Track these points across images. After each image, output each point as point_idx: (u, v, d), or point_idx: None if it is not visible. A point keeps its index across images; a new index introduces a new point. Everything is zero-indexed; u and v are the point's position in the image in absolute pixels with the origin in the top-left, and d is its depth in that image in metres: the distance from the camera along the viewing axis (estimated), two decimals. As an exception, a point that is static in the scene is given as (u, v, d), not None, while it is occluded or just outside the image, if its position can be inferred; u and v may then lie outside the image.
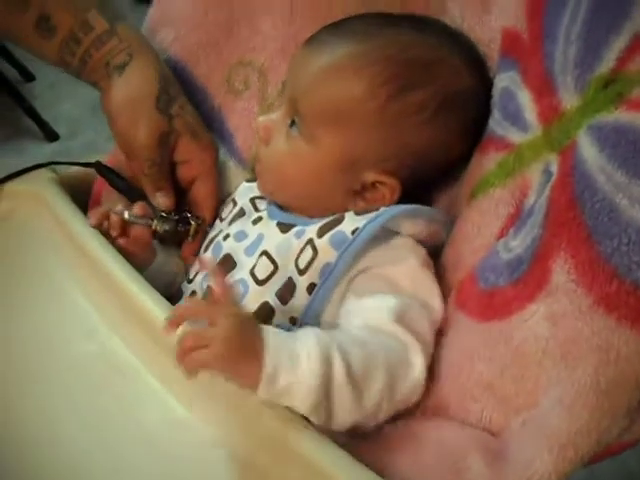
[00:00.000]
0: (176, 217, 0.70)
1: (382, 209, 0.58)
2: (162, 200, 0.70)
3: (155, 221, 0.68)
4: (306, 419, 0.48)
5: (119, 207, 0.68)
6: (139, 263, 0.65)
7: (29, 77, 2.32)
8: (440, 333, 0.57)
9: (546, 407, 0.48)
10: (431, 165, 0.62)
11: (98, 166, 0.75)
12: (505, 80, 0.58)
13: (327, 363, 0.46)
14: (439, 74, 0.59)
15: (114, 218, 0.66)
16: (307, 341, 0.48)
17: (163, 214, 0.69)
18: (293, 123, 0.62)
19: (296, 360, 0.46)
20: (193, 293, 0.66)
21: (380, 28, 0.61)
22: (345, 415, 0.48)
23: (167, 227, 0.69)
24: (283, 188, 0.64)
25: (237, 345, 0.45)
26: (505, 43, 0.59)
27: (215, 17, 0.76)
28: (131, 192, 0.72)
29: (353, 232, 0.56)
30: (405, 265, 0.57)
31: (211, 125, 0.77)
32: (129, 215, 0.66)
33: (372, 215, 0.57)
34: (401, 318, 0.53)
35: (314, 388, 0.45)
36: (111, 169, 0.74)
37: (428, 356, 0.53)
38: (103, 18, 0.70)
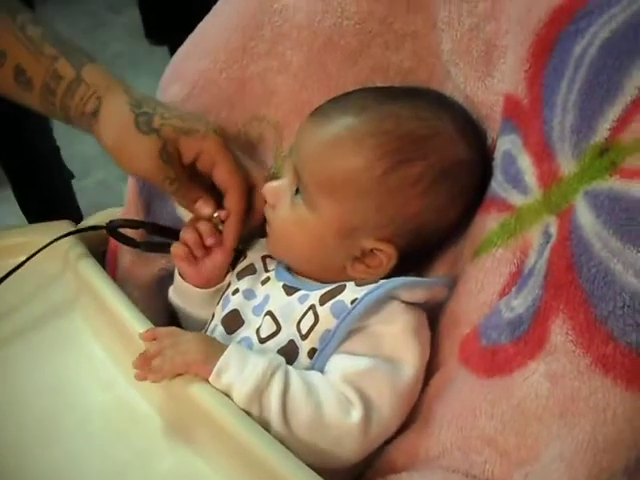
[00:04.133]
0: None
1: (381, 281, 0.61)
2: (203, 209, 0.70)
3: None
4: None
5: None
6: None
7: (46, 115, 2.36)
8: (443, 385, 0.60)
9: (547, 461, 0.49)
10: (427, 232, 0.64)
11: (109, 228, 0.76)
12: (507, 143, 0.61)
13: (268, 377, 0.55)
14: (434, 147, 0.62)
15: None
16: (261, 357, 0.57)
17: None
18: (297, 191, 0.65)
19: (243, 367, 0.56)
20: None
21: (377, 102, 0.64)
22: (274, 424, 0.55)
23: None
24: (287, 251, 0.68)
25: (205, 348, 0.58)
26: (507, 108, 0.62)
27: (228, 75, 0.78)
28: (147, 246, 0.75)
29: (352, 302, 0.59)
30: (393, 327, 0.60)
31: None
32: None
33: (371, 287, 0.60)
34: (352, 380, 0.57)
35: (247, 392, 0.55)
36: (121, 232, 0.76)
37: (375, 418, 0.57)
38: (70, 64, 0.70)
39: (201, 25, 0.82)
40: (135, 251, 0.77)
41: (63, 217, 1.53)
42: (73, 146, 2.22)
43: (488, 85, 0.66)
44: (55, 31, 0.72)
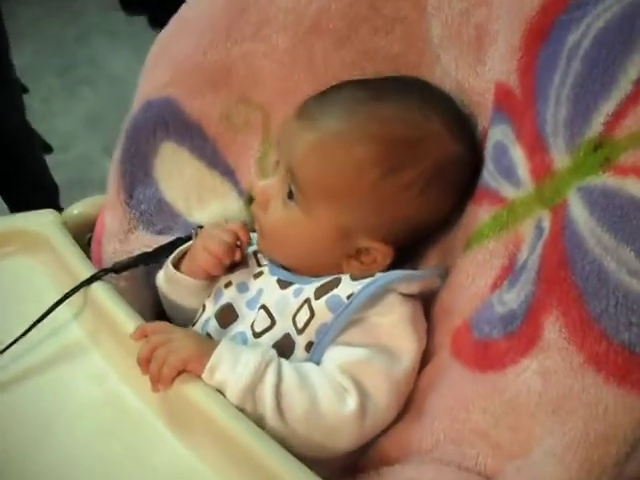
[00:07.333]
0: None
1: (377, 275, 0.61)
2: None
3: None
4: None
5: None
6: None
7: (22, 90, 2.32)
8: (435, 377, 0.60)
9: (539, 456, 0.50)
10: (422, 228, 0.66)
11: (116, 270, 0.72)
12: (498, 134, 0.60)
13: (261, 372, 0.55)
14: (425, 151, 0.62)
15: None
16: (253, 352, 0.57)
17: None
18: (291, 193, 0.64)
19: (236, 363, 0.56)
20: None
21: (363, 103, 0.63)
22: (269, 419, 0.55)
23: None
24: (280, 250, 0.67)
25: (197, 345, 0.57)
26: (498, 97, 0.61)
27: (212, 57, 0.77)
28: (145, 260, 0.74)
29: (348, 297, 0.60)
30: (390, 317, 0.60)
31: (208, 158, 0.79)
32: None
33: (367, 281, 0.60)
34: (348, 370, 0.58)
35: (241, 388, 0.55)
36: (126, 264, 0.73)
37: (370, 408, 0.57)
38: None
39: (184, 6, 0.80)
40: (119, 240, 0.76)
41: (39, 194, 1.50)
42: (52, 119, 2.19)
43: (479, 72, 0.65)
44: None
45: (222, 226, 0.70)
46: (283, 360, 0.58)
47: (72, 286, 0.68)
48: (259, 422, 0.54)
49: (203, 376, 0.56)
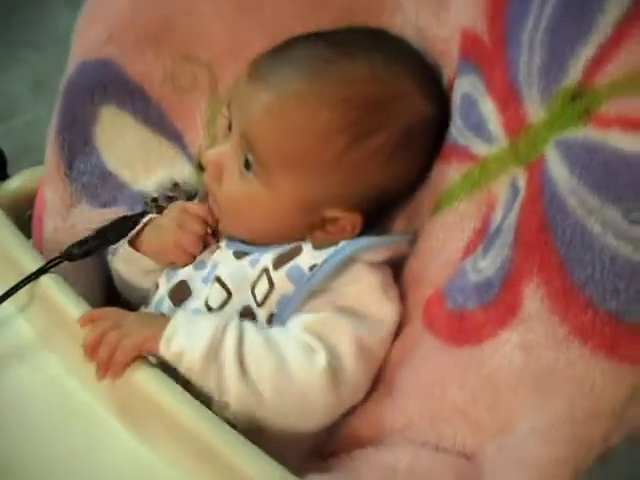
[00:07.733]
0: None
1: (341, 244, 0.56)
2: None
3: None
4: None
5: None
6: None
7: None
8: (407, 350, 0.56)
9: (522, 433, 0.47)
10: (391, 194, 0.61)
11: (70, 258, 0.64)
12: (466, 85, 0.56)
13: (220, 335, 0.52)
14: (394, 112, 0.57)
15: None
16: (210, 318, 0.54)
17: None
18: (247, 163, 0.59)
19: (194, 331, 0.52)
20: None
21: (325, 60, 0.58)
22: (234, 388, 0.51)
23: None
24: (240, 228, 0.62)
25: (152, 324, 0.53)
26: (464, 45, 0.56)
27: (151, 10, 0.71)
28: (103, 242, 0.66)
29: (311, 268, 0.55)
30: (358, 285, 0.57)
31: (153, 122, 0.73)
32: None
33: (331, 251, 0.56)
34: (315, 330, 0.54)
35: (200, 356, 0.51)
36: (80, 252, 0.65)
37: (338, 367, 0.53)
38: None
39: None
40: (61, 216, 0.70)
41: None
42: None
43: (442, 20, 0.61)
44: None
45: (188, 213, 0.64)
46: (244, 321, 0.54)
47: (11, 271, 0.62)
48: (224, 394, 0.51)
49: (160, 349, 0.51)
